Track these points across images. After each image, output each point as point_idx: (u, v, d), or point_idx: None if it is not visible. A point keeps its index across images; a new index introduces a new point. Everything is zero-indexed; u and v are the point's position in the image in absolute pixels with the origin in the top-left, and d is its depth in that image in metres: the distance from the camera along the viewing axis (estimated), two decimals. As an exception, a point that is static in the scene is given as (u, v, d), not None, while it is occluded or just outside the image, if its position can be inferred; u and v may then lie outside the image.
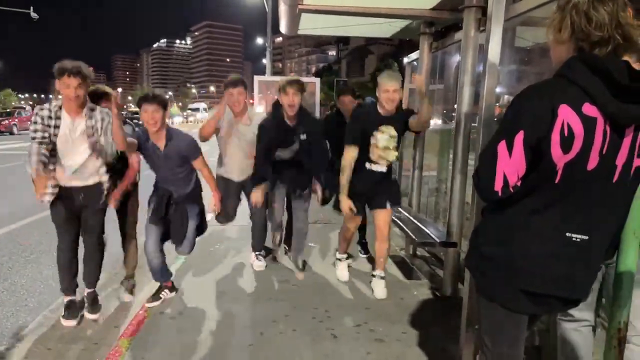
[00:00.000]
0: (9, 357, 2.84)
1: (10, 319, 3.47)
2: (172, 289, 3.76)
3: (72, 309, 3.29)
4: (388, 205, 3.81)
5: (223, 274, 4.28)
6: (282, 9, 4.51)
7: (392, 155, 3.66)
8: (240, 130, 4.07)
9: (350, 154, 3.64)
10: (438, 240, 3.65)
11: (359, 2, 3.92)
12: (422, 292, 3.96)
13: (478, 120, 2.60)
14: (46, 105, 3.07)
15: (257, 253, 4.47)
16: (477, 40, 3.41)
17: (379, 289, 3.86)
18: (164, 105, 3.27)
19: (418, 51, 4.69)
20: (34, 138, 3.00)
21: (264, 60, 21.13)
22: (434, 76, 4.92)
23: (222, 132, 4.10)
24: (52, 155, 3.06)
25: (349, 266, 4.38)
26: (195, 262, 4.52)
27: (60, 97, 3.06)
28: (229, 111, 4.07)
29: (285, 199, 4.35)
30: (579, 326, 2.26)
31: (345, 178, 3.64)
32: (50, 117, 3.01)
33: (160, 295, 3.63)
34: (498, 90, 2.76)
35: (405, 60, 5.56)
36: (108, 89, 3.55)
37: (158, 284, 3.70)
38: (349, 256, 4.49)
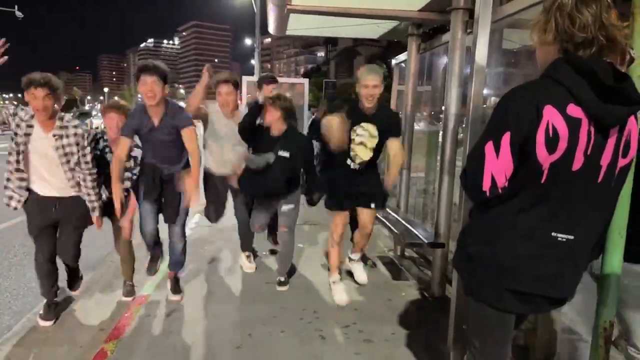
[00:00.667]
0: (-8, 361, 2.79)
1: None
2: (162, 252, 3.90)
3: (51, 310, 3.28)
4: (372, 206, 3.73)
5: (211, 275, 4.26)
6: (271, 10, 4.49)
7: (366, 154, 3.54)
8: (229, 125, 4.00)
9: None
10: (426, 241, 3.66)
11: (347, 3, 3.92)
12: (411, 292, 3.98)
13: (465, 122, 2.62)
14: (26, 110, 3.00)
15: (246, 254, 4.44)
16: (464, 42, 3.44)
17: (359, 272, 4.07)
18: (164, 77, 3.15)
19: (406, 52, 4.71)
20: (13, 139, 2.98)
21: (253, 61, 21.05)
22: (422, 77, 4.94)
23: (211, 124, 4.03)
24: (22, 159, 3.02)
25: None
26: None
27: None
28: (216, 112, 4.02)
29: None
30: None
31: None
32: (22, 121, 2.96)
33: (157, 267, 3.87)
34: (485, 92, 2.78)
35: (394, 61, 5.59)
36: (123, 103, 3.64)
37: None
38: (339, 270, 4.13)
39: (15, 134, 2.96)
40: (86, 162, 3.14)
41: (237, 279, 4.19)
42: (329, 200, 3.78)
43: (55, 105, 3.00)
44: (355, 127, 3.49)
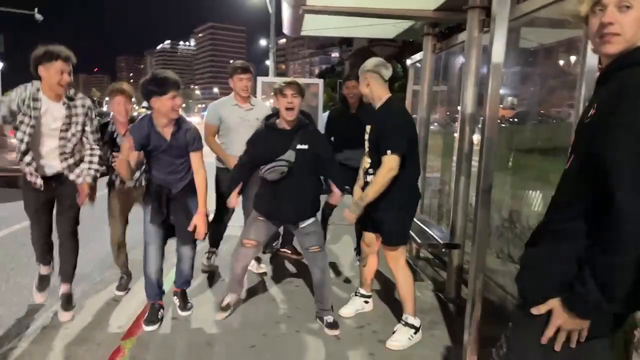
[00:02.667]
0: (12, 357, 2.84)
1: (14, 319, 3.47)
2: (163, 307, 3.44)
3: (44, 280, 3.42)
4: (380, 239, 3.22)
5: (226, 275, 4.28)
6: (286, 10, 4.51)
7: (366, 161, 3.14)
8: (243, 117, 4.08)
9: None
10: (442, 242, 3.63)
11: (363, 3, 3.91)
12: (426, 294, 3.95)
13: (482, 122, 2.59)
14: (27, 86, 2.99)
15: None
16: (480, 41, 3.40)
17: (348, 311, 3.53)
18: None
19: (421, 52, 4.68)
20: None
21: (267, 62, 21.12)
22: (438, 77, 4.91)
23: (229, 124, 4.08)
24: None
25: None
26: (195, 263, 4.51)
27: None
28: (231, 105, 4.10)
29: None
30: None
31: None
32: (25, 99, 2.94)
33: (159, 316, 3.31)
34: (502, 92, 2.75)
35: (409, 61, 5.56)
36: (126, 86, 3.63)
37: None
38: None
39: (23, 112, 2.92)
40: (92, 132, 3.22)
41: (251, 278, 4.20)
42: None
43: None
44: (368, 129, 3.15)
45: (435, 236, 3.72)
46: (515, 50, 3.88)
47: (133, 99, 3.76)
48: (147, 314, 3.33)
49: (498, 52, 2.52)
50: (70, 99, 3.09)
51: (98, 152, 3.27)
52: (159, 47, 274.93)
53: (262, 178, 3.21)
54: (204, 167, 3.26)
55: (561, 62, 4.56)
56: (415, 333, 3.08)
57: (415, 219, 4.22)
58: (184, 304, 3.51)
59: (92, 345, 2.98)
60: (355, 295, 3.59)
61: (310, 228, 3.29)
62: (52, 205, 3.25)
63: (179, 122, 3.14)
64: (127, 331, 3.16)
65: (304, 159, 3.13)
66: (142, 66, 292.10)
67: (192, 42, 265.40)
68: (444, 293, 3.93)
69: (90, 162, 3.23)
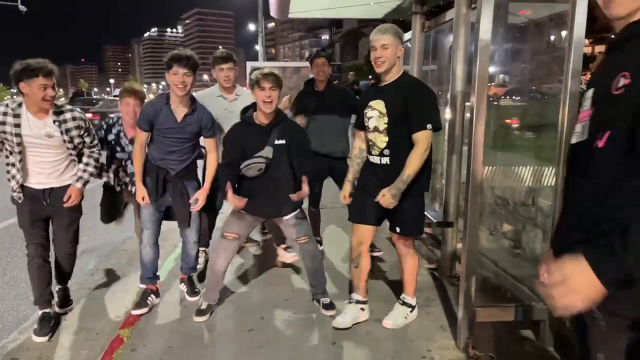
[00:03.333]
0: (11, 348, 2.86)
1: (12, 311, 3.48)
2: (157, 293, 3.42)
3: (45, 322, 2.98)
4: (397, 230, 2.94)
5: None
6: (272, -7, 4.46)
7: (381, 140, 2.81)
8: (228, 109, 3.84)
9: (354, 142, 3.14)
10: (435, 221, 3.67)
11: (349, -17, 3.87)
12: (421, 272, 3.98)
13: (472, 100, 2.59)
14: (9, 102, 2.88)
15: (283, 246, 4.15)
16: (469, 18, 3.39)
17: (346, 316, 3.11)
18: (195, 69, 3.10)
19: (410, 32, 4.64)
20: None
21: (257, 47, 20.90)
22: (427, 57, 4.88)
23: (214, 116, 3.73)
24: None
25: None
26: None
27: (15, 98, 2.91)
28: (216, 97, 3.88)
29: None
30: None
31: (350, 173, 3.14)
32: (5, 114, 2.81)
33: (147, 301, 3.28)
34: (492, 69, 2.74)
35: (398, 41, 5.52)
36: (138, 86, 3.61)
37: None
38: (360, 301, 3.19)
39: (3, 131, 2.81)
40: (91, 142, 3.10)
41: (247, 263, 4.23)
42: (351, 207, 3.12)
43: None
44: (365, 111, 2.90)
45: (429, 215, 3.74)
46: (504, 27, 3.85)
47: (146, 100, 3.57)
48: (138, 299, 3.34)
49: (485, 29, 2.51)
50: (59, 113, 2.92)
51: (95, 156, 3.15)
52: (145, 35, 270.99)
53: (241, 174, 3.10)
54: (217, 150, 3.34)
55: (551, 38, 4.54)
56: (411, 311, 3.12)
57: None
58: (192, 289, 3.50)
59: (91, 334, 3.00)
60: (350, 302, 3.16)
61: (295, 220, 3.22)
62: (48, 223, 3.10)
63: (194, 106, 3.18)
64: (125, 320, 3.18)
65: (282, 154, 3.07)
66: (129, 55, 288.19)
67: (180, 29, 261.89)
68: (438, 271, 3.98)
69: (86, 164, 3.10)
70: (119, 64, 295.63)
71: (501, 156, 4.36)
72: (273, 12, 5.19)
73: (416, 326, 3.07)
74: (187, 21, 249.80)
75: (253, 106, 3.14)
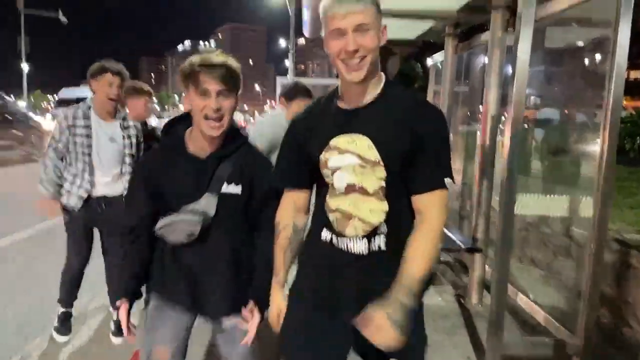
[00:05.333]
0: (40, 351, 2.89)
1: (38, 311, 3.52)
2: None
3: (67, 321, 3.09)
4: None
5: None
6: (305, 12, 4.49)
7: (370, 209, 1.49)
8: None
9: (283, 206, 1.69)
10: (463, 246, 3.57)
11: (384, 4, 3.85)
12: (446, 298, 3.89)
13: (506, 124, 2.53)
14: (72, 107, 2.93)
15: None
16: (504, 41, 3.34)
17: None
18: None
19: (442, 52, 4.61)
20: (48, 145, 2.88)
21: (287, 62, 21.20)
22: (459, 77, 4.84)
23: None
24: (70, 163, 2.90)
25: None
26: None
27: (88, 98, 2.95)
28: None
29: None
30: None
31: (281, 269, 1.66)
32: (76, 118, 2.85)
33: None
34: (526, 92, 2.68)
35: (429, 61, 5.50)
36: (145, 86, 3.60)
37: None
38: None
39: (73, 134, 2.82)
40: (132, 155, 3.05)
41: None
42: (287, 335, 1.66)
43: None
44: (324, 154, 1.52)
45: (456, 239, 3.66)
46: (541, 51, 3.78)
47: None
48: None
49: (524, 53, 2.46)
50: (124, 119, 3.01)
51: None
52: (179, 47, 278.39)
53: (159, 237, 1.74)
54: None
55: (587, 61, 4.45)
56: None
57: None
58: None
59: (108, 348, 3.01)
60: None
61: (236, 332, 1.76)
62: (92, 232, 3.08)
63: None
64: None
65: (234, 208, 1.73)
66: (163, 67, 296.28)
67: (212, 43, 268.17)
68: (465, 299, 3.86)
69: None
70: (152, 75, 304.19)
71: (534, 182, 4.26)
72: (306, 32, 5.23)
73: (441, 354, 2.97)
74: (219, 35, 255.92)
75: (183, 120, 1.81)
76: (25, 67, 31.54)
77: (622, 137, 8.80)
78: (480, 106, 3.67)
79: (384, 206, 1.49)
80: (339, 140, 1.50)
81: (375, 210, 1.49)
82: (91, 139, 2.86)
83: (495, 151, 3.52)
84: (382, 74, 1.57)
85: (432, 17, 4.14)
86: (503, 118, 3.26)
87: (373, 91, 1.53)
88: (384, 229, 1.50)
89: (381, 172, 1.47)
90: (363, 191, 1.49)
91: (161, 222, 1.70)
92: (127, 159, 2.99)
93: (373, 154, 1.46)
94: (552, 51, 4.22)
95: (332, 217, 1.54)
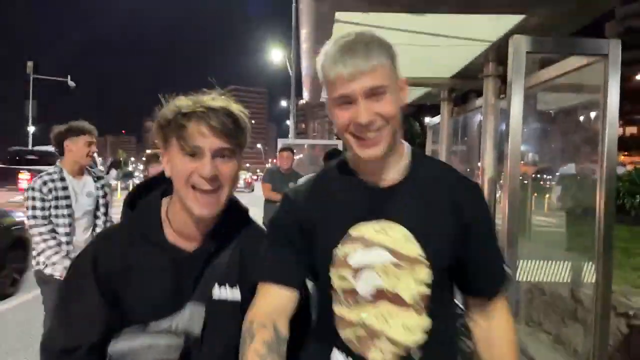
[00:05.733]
0: None
1: None
2: None
3: None
4: None
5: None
6: (305, 79, 4.66)
7: (404, 327, 1.10)
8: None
9: (259, 303, 1.18)
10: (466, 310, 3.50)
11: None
12: None
13: (502, 186, 2.56)
14: (42, 176, 2.84)
15: None
16: (498, 106, 3.44)
17: None
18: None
19: (439, 116, 4.75)
20: (34, 217, 2.76)
21: (288, 122, 21.69)
22: (456, 136, 4.95)
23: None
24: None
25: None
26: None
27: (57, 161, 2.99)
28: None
29: None
30: None
31: None
32: (52, 181, 2.82)
33: None
34: (523, 148, 2.73)
35: (427, 121, 5.65)
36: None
37: None
38: None
39: (56, 197, 2.81)
40: (105, 212, 3.11)
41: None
42: None
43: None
44: (339, 247, 1.14)
45: (458, 304, 3.58)
46: (533, 114, 3.88)
47: None
48: None
49: (515, 119, 2.53)
50: (99, 177, 3.10)
51: None
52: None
53: None
54: None
55: (581, 119, 4.55)
56: None
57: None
58: None
59: None
60: None
61: None
62: None
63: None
64: None
65: (230, 321, 1.20)
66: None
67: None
68: (471, 364, 3.73)
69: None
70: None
71: (535, 247, 4.22)
72: (306, 97, 5.41)
73: None
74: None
75: (157, 187, 1.32)
76: (31, 129, 32.25)
77: (621, 195, 8.80)
78: (479, 163, 3.72)
79: (424, 321, 1.10)
80: (365, 229, 1.10)
81: (412, 328, 1.09)
82: (70, 199, 2.90)
83: (495, 210, 3.53)
84: (404, 142, 1.21)
85: (427, 84, 4.31)
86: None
87: (396, 165, 1.16)
88: (416, 356, 1.10)
89: (423, 272, 1.08)
90: (397, 300, 1.08)
91: (116, 346, 1.13)
92: (102, 209, 3.08)
93: (412, 247, 1.09)
94: (546, 114, 4.33)
95: (349, 333, 1.11)
